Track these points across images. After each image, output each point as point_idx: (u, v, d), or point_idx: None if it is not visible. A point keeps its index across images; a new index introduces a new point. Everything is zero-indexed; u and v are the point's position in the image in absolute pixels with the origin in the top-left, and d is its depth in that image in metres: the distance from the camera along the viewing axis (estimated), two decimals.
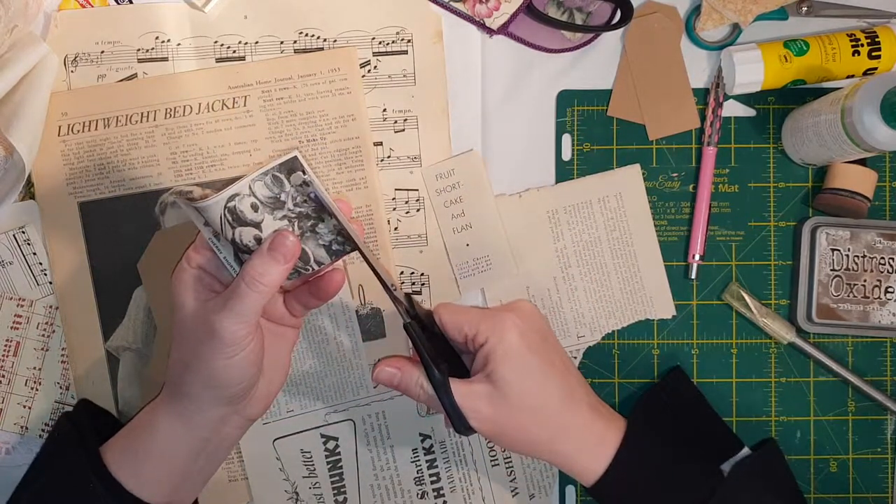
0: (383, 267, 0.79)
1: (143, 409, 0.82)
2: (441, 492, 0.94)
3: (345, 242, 0.76)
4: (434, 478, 0.94)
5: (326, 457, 0.93)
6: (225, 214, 0.72)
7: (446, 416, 0.78)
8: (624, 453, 0.78)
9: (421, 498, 0.94)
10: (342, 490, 0.93)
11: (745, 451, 0.91)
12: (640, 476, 0.78)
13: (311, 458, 0.93)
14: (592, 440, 0.79)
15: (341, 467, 0.93)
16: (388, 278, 0.78)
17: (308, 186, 0.72)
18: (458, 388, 0.76)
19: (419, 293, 0.93)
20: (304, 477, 0.93)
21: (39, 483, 0.82)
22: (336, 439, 0.93)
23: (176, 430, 0.78)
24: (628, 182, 0.94)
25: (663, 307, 0.94)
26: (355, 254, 0.76)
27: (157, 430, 0.79)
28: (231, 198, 0.71)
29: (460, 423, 0.77)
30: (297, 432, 0.93)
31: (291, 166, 0.71)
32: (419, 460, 0.94)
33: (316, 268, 0.77)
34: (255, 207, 0.73)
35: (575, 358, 0.94)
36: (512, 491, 0.94)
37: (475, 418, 0.76)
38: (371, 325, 0.93)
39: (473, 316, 0.79)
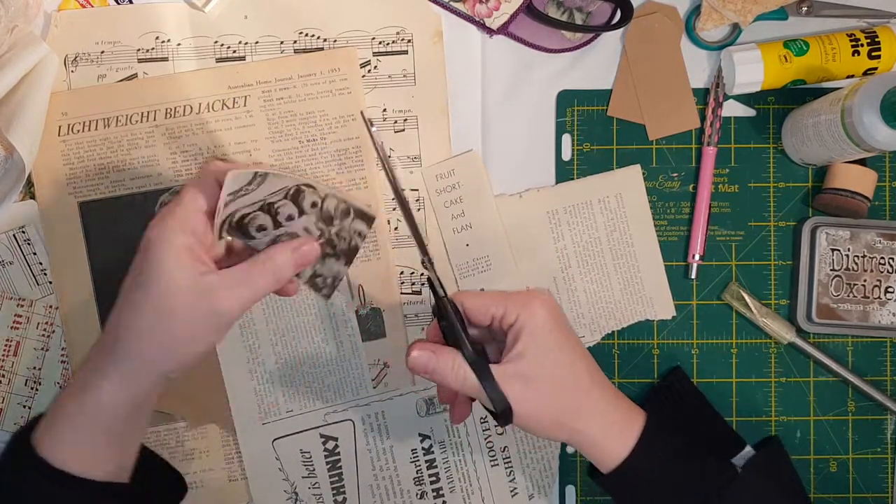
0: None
1: (69, 386, 0.78)
2: (440, 492, 0.94)
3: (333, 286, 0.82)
4: (433, 478, 0.94)
5: (326, 457, 0.93)
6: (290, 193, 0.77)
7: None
8: (648, 437, 0.77)
9: (420, 498, 0.94)
10: (341, 490, 0.93)
11: (748, 449, 0.90)
12: (660, 462, 0.77)
13: (310, 458, 0.93)
14: (618, 422, 0.78)
15: (341, 467, 0.93)
16: (427, 252, 0.78)
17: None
18: (493, 367, 0.75)
19: (419, 293, 0.93)
20: (303, 477, 0.93)
21: None
22: (335, 439, 0.93)
23: (115, 396, 0.74)
24: (628, 182, 0.94)
25: (663, 307, 0.94)
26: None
27: (96, 396, 0.74)
28: (303, 186, 0.76)
29: (499, 402, 0.74)
30: (297, 432, 0.93)
31: (363, 216, 0.79)
32: (418, 460, 0.94)
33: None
34: (315, 205, 0.77)
35: None
36: (511, 491, 0.94)
37: (511, 397, 0.74)
38: (371, 325, 0.93)
39: (498, 297, 0.78)
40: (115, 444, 0.76)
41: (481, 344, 0.80)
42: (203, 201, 0.75)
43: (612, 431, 0.78)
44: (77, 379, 0.77)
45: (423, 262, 0.77)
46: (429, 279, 0.77)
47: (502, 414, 0.75)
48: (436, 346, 0.78)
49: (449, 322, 0.76)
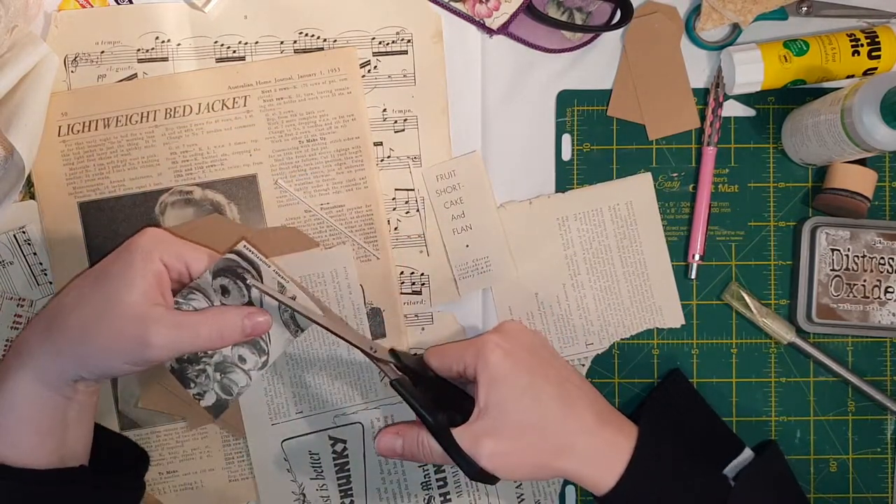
0: (355, 332, 0.80)
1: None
2: (448, 496, 0.94)
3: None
4: (441, 482, 0.94)
5: (334, 459, 0.93)
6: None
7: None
8: (636, 463, 0.76)
9: (427, 502, 0.94)
10: (349, 493, 0.93)
11: (747, 451, 0.91)
12: (652, 487, 0.77)
13: (318, 459, 0.93)
14: (601, 450, 0.77)
15: (349, 470, 0.93)
16: (364, 342, 0.79)
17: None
18: (458, 432, 0.75)
19: (419, 293, 0.93)
20: (311, 479, 0.93)
21: None
22: (344, 442, 0.93)
23: (31, 390, 0.76)
24: (639, 190, 0.94)
25: (672, 316, 0.94)
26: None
27: (13, 388, 0.76)
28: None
29: (470, 468, 0.75)
30: (306, 434, 0.93)
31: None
32: (426, 465, 0.94)
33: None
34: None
35: (583, 365, 0.94)
36: (518, 497, 0.94)
37: (483, 457, 0.74)
38: (372, 325, 0.93)
39: (457, 351, 0.78)
40: (47, 434, 0.77)
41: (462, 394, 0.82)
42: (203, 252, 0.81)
43: (596, 460, 0.77)
44: (6, 358, 0.79)
45: (369, 356, 0.81)
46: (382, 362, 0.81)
47: (480, 479, 0.75)
48: (400, 427, 0.80)
49: (406, 402, 0.78)
